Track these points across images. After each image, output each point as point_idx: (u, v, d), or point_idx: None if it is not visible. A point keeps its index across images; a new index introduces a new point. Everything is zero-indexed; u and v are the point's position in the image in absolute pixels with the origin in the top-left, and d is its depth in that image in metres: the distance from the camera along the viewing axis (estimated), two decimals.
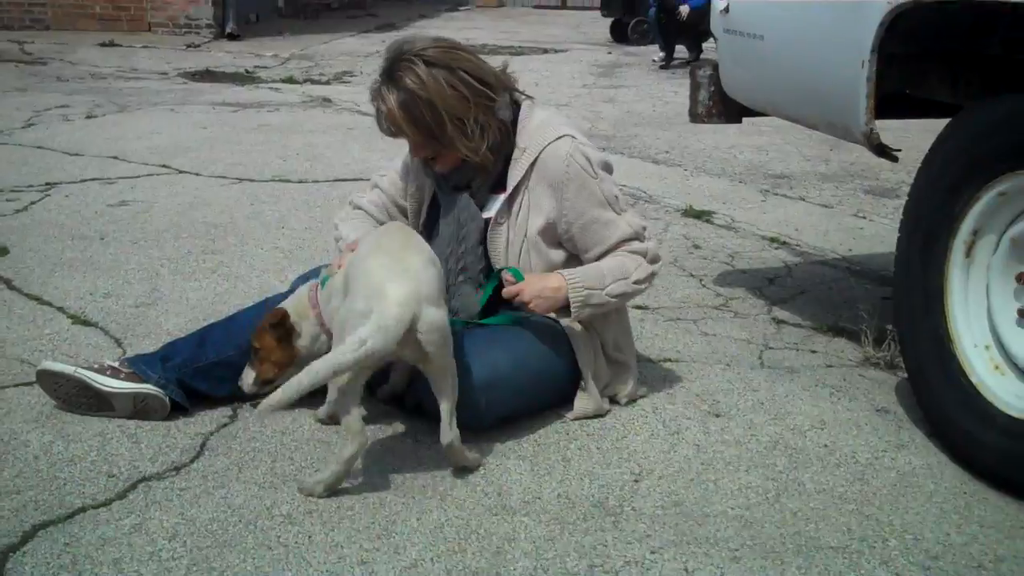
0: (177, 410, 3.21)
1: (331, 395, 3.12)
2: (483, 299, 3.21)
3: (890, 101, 3.48)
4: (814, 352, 3.89)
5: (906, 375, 3.43)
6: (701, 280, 4.68)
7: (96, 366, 3.21)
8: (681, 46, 13.32)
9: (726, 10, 4.11)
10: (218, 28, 14.70)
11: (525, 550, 2.58)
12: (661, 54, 13.16)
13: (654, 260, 3.23)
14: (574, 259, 3.24)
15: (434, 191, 3.34)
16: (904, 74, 3.52)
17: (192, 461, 2.97)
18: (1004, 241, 3.02)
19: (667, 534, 2.67)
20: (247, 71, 11.59)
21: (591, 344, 3.25)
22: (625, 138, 8.15)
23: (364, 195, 3.47)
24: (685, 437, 3.19)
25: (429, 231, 3.31)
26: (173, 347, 3.32)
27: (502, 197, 3.22)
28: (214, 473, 2.90)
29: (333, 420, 3.14)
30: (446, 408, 2.84)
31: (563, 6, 24.69)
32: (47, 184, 6.02)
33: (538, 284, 3.12)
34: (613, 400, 3.36)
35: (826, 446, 3.16)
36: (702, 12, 12.40)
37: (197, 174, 6.42)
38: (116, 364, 3.22)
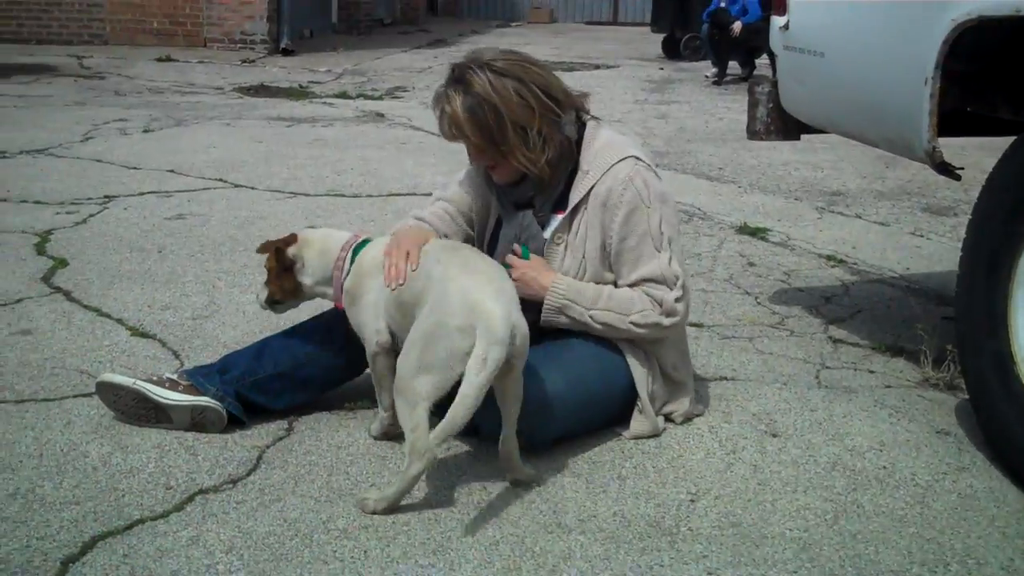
0: (234, 423, 3.23)
1: (383, 412, 3.14)
2: None
3: (950, 119, 3.44)
4: (872, 372, 3.85)
5: (966, 396, 3.39)
6: (756, 298, 4.64)
7: (155, 378, 3.24)
8: (734, 62, 13.28)
9: (786, 27, 4.09)
10: (273, 44, 14.84)
11: (580, 569, 2.57)
12: (714, 70, 13.12)
13: (669, 313, 3.15)
14: None
15: (498, 215, 3.33)
16: (966, 92, 3.47)
17: (249, 474, 2.98)
18: None
19: (724, 555, 2.64)
20: (301, 86, 11.69)
21: (648, 365, 3.23)
22: (678, 154, 8.12)
23: (425, 208, 3.46)
24: (742, 457, 3.16)
25: (492, 251, 3.31)
26: (231, 360, 3.34)
27: (561, 217, 3.21)
28: (271, 486, 2.92)
29: (387, 436, 3.16)
30: (508, 416, 2.85)
31: (614, 22, 24.72)
32: (106, 197, 6.10)
33: (532, 272, 3.13)
34: (669, 419, 3.34)
35: (885, 467, 3.12)
36: (755, 28, 12.38)
37: (253, 188, 6.48)
38: (174, 376, 3.25)
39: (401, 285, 2.98)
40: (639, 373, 3.21)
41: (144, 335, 3.99)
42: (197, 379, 3.23)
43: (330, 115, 9.61)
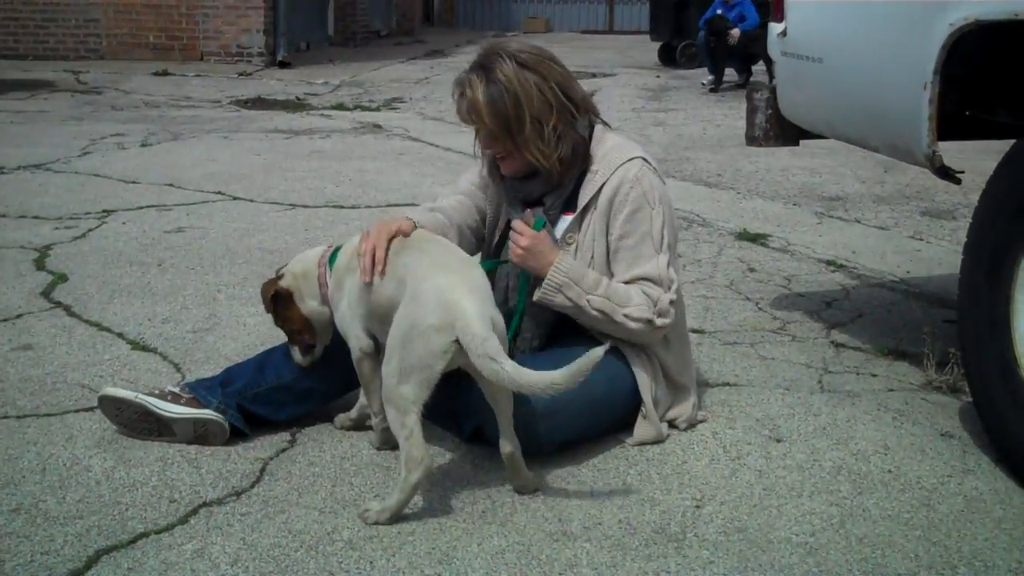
0: (237, 435, 3.22)
1: (374, 418, 3.14)
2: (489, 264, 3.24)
3: (948, 122, 3.43)
4: (875, 376, 3.84)
5: (970, 399, 3.38)
6: (757, 303, 4.64)
7: (157, 392, 3.23)
8: (730, 69, 13.29)
9: (784, 33, 4.10)
10: (269, 56, 14.87)
11: None
12: (710, 77, 13.14)
13: (661, 314, 3.14)
14: None
15: (508, 218, 3.33)
16: (964, 96, 3.48)
17: (252, 486, 2.98)
18: None
19: (731, 561, 2.63)
20: (298, 98, 11.70)
21: (652, 370, 3.23)
22: (677, 161, 8.13)
23: (439, 200, 3.45)
24: (746, 462, 3.15)
25: (499, 252, 3.31)
26: (232, 372, 3.33)
27: (571, 217, 3.21)
28: (274, 498, 2.91)
29: (388, 443, 3.13)
30: (504, 416, 2.84)
31: (610, 30, 24.76)
32: (104, 211, 6.10)
33: (540, 246, 3.09)
34: (672, 425, 3.33)
35: (890, 471, 3.11)
36: (751, 35, 12.40)
37: (252, 200, 6.48)
38: (176, 389, 3.24)
39: (380, 273, 2.96)
40: (643, 378, 3.21)
41: (145, 349, 3.98)
42: (199, 392, 3.22)
43: (328, 127, 9.61)
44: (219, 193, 6.66)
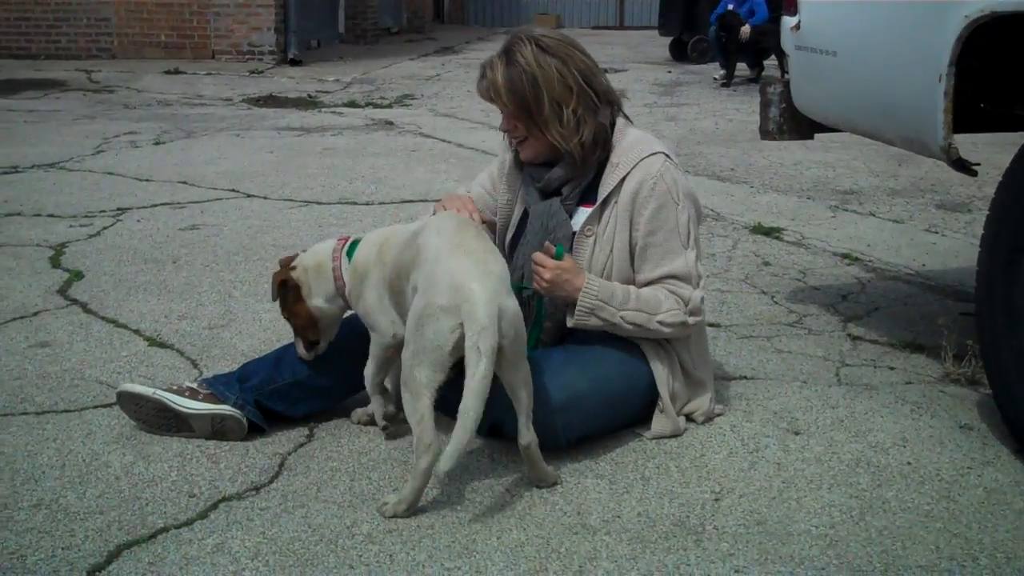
0: (254, 430, 3.23)
1: (375, 401, 3.17)
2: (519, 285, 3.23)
3: (962, 115, 3.42)
4: (892, 369, 3.83)
5: (989, 391, 3.38)
6: (773, 297, 4.63)
7: (175, 387, 3.24)
8: (742, 63, 13.27)
9: (797, 27, 4.08)
10: (280, 54, 14.88)
11: (607, 569, 2.56)
12: (722, 72, 13.12)
13: (694, 312, 3.16)
14: None
15: (524, 207, 3.33)
16: (979, 88, 3.46)
17: (271, 481, 2.98)
18: None
19: (751, 553, 2.63)
20: (310, 96, 11.71)
21: (669, 364, 3.23)
22: (689, 156, 8.11)
23: (463, 185, 3.51)
24: (765, 455, 3.15)
25: (517, 241, 3.32)
26: (250, 368, 3.34)
27: (589, 209, 3.21)
28: (293, 493, 2.91)
29: (371, 421, 3.21)
30: (522, 408, 2.84)
31: (620, 26, 24.73)
32: (119, 209, 6.11)
33: (565, 274, 3.09)
34: (690, 419, 3.33)
35: (909, 463, 3.11)
36: (763, 29, 12.37)
37: (265, 198, 6.49)
38: (194, 385, 3.25)
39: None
40: (660, 372, 3.20)
41: (162, 345, 4.00)
42: (217, 388, 3.23)
43: (340, 124, 9.62)
44: (233, 191, 6.67)
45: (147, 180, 6.95)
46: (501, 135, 3.37)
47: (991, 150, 5.08)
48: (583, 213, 3.23)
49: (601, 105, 3.18)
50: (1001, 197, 3.25)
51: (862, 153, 7.97)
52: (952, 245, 5.53)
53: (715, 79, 13.19)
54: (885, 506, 2.86)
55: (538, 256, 3.11)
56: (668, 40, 16.41)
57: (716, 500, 2.89)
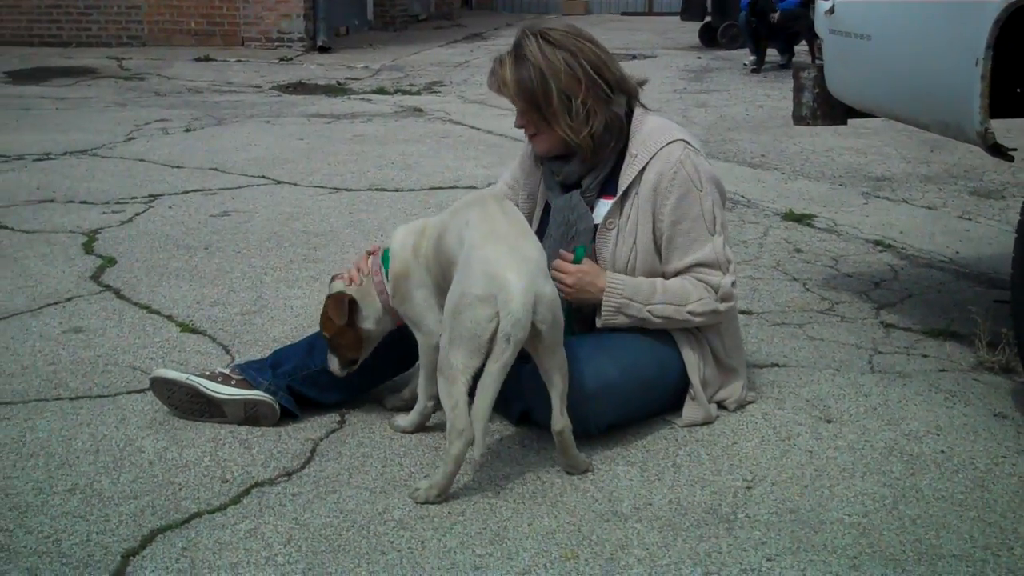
0: (287, 416, 3.25)
1: (428, 402, 3.14)
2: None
3: (999, 100, 3.38)
4: (925, 356, 3.81)
5: (1023, 380, 3.34)
6: (805, 284, 4.61)
7: (208, 373, 3.26)
8: (772, 49, 13.17)
9: (831, 11, 4.05)
10: (309, 41, 14.89)
11: (639, 556, 2.56)
12: (752, 58, 13.02)
13: (725, 299, 3.15)
14: None
15: (546, 201, 3.33)
16: (1016, 72, 3.42)
17: (303, 467, 2.99)
18: None
19: (783, 541, 2.62)
20: (339, 83, 11.72)
21: (700, 351, 3.21)
22: (720, 142, 8.07)
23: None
24: (797, 443, 3.14)
25: (541, 236, 3.31)
26: (282, 354, 3.35)
27: (610, 201, 3.20)
28: (325, 478, 2.92)
29: (417, 428, 3.18)
30: (557, 393, 2.84)
31: (649, 12, 24.60)
32: (150, 196, 6.14)
33: (587, 276, 3.11)
34: (721, 406, 3.31)
35: (943, 452, 3.08)
36: (793, 14, 12.28)
37: (295, 184, 6.50)
38: (227, 371, 3.27)
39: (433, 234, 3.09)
40: (691, 359, 3.19)
41: (194, 331, 4.02)
42: (250, 373, 3.24)
43: (369, 111, 9.62)
44: (263, 177, 6.69)
45: (178, 167, 6.98)
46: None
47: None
48: (604, 205, 3.22)
49: (614, 95, 3.15)
50: None
51: (894, 139, 7.91)
52: (986, 232, 5.48)
53: (745, 65, 13.10)
54: (918, 495, 2.84)
55: (558, 263, 3.11)
56: (697, 26, 16.30)
57: (748, 488, 2.88)
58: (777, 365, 3.71)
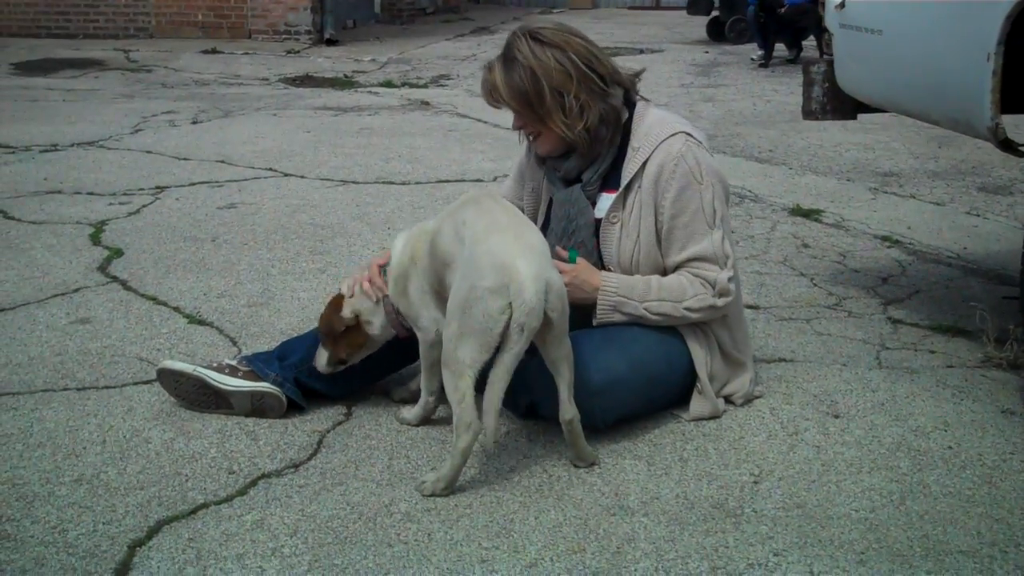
0: (293, 408, 3.25)
1: (429, 396, 3.14)
2: None
3: (1010, 95, 3.37)
4: (933, 352, 3.79)
5: None
6: (812, 279, 4.60)
7: (215, 365, 3.25)
8: (780, 44, 13.15)
9: (842, 5, 4.03)
10: (316, 34, 14.89)
11: (645, 551, 2.55)
12: (760, 52, 13.00)
13: (722, 294, 3.13)
14: None
15: (549, 196, 3.33)
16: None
17: (310, 458, 2.99)
18: None
19: (790, 536, 2.61)
20: (346, 76, 11.72)
21: (707, 345, 3.21)
22: (727, 137, 8.06)
23: None
24: (804, 438, 3.13)
25: (544, 231, 3.31)
26: (289, 346, 3.35)
27: (612, 195, 3.19)
28: (332, 470, 2.92)
29: (423, 422, 3.18)
30: (564, 383, 2.83)
31: (657, 6, 24.56)
32: (157, 187, 6.15)
33: (582, 276, 3.11)
34: (729, 400, 3.31)
35: (951, 448, 3.08)
36: (802, 9, 12.25)
37: (302, 177, 6.50)
38: (234, 362, 3.27)
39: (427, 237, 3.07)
40: (698, 353, 3.19)
41: (201, 323, 4.02)
42: (257, 365, 3.24)
43: (376, 104, 9.62)
44: (270, 169, 6.69)
45: (185, 159, 6.98)
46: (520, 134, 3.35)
47: None
48: (607, 199, 3.21)
49: (609, 88, 3.14)
50: None
51: (902, 135, 7.89)
52: (994, 228, 5.47)
53: (753, 60, 13.08)
54: (926, 491, 2.84)
55: (553, 263, 3.09)
56: (705, 20, 16.27)
57: (755, 483, 2.88)
58: (784, 360, 3.70)
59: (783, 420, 3.24)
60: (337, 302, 3.22)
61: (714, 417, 3.23)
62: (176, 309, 4.15)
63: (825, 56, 4.35)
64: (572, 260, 3.12)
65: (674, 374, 3.19)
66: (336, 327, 3.18)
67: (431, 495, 2.77)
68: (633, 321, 3.14)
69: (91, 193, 6.00)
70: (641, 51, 14.46)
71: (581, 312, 3.12)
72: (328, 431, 3.15)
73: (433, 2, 21.45)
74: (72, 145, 7.40)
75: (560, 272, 3.04)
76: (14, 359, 3.66)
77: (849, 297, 4.37)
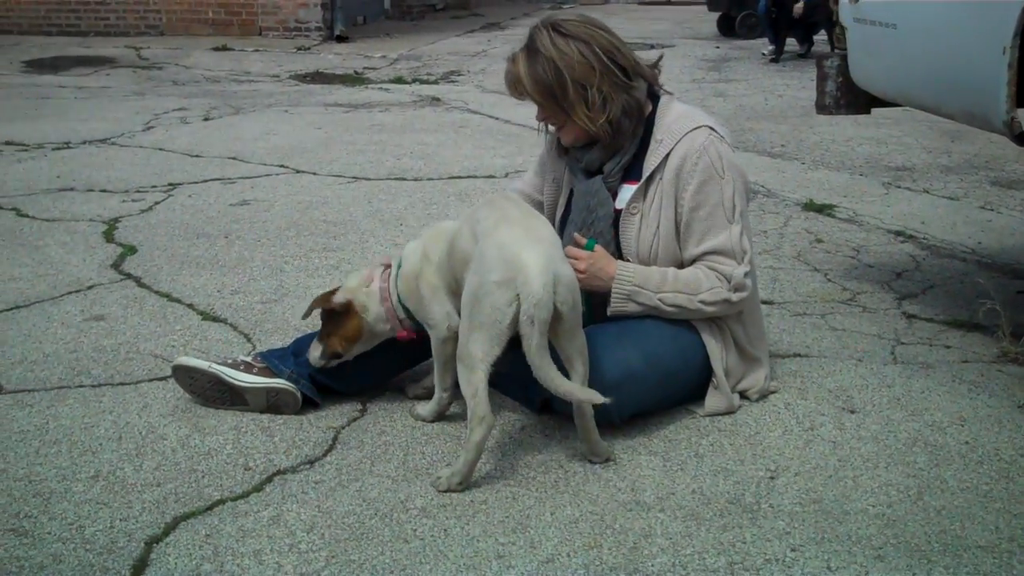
0: (309, 404, 3.25)
1: (442, 393, 3.14)
2: None
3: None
4: (948, 347, 3.78)
5: None
6: (826, 274, 4.58)
7: (230, 361, 3.26)
8: (791, 39, 13.11)
9: None
10: (327, 31, 14.88)
11: (662, 546, 2.55)
12: (771, 47, 12.96)
13: (737, 289, 3.13)
14: None
15: (570, 187, 3.33)
16: None
17: (325, 454, 3.00)
18: None
19: (807, 531, 2.61)
20: (357, 72, 11.72)
21: (723, 340, 3.20)
22: (739, 132, 8.03)
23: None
24: (820, 433, 3.12)
25: (565, 221, 3.31)
26: (303, 342, 3.34)
27: (634, 187, 3.19)
28: (347, 467, 2.92)
29: (438, 417, 3.19)
30: (578, 378, 2.83)
31: (668, 1, 24.50)
32: (170, 185, 6.15)
33: (598, 264, 3.11)
34: (744, 396, 3.30)
35: (967, 443, 3.07)
36: (813, 4, 12.21)
37: (314, 173, 6.50)
38: (249, 359, 3.27)
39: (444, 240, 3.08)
40: (714, 348, 3.18)
41: (215, 319, 4.02)
42: (272, 361, 3.24)
43: (387, 100, 9.61)
44: (282, 166, 6.69)
45: (197, 156, 6.99)
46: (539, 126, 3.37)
47: None
48: (628, 191, 3.21)
49: (632, 80, 3.15)
50: None
51: (914, 129, 7.86)
52: (1008, 222, 5.45)
53: (764, 55, 13.04)
54: (943, 486, 2.83)
55: (570, 250, 3.10)
56: (715, 16, 16.23)
57: (771, 478, 2.87)
58: (799, 355, 3.70)
59: (799, 415, 3.23)
60: (334, 290, 3.24)
61: (729, 412, 3.22)
62: (190, 306, 4.15)
63: (837, 50, 4.34)
64: (589, 248, 3.12)
65: (689, 369, 3.18)
66: (325, 305, 3.18)
67: (447, 490, 2.77)
68: (647, 312, 3.13)
69: (104, 190, 6.00)
70: (651, 46, 14.41)
71: (596, 307, 3.12)
72: (343, 427, 3.16)
73: None
74: (84, 143, 7.42)
75: (576, 259, 3.05)
76: (29, 356, 3.66)
77: (863, 292, 4.36)
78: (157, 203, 5.72)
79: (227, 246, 4.95)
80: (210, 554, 2.51)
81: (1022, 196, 6.02)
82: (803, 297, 4.30)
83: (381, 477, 2.87)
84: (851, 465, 2.94)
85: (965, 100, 3.51)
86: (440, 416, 3.18)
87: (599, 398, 2.74)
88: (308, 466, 2.93)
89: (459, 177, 6.41)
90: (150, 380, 3.48)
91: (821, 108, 4.32)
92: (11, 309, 4.13)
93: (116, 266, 4.64)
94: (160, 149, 7.21)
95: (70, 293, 4.30)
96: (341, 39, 14.79)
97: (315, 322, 3.81)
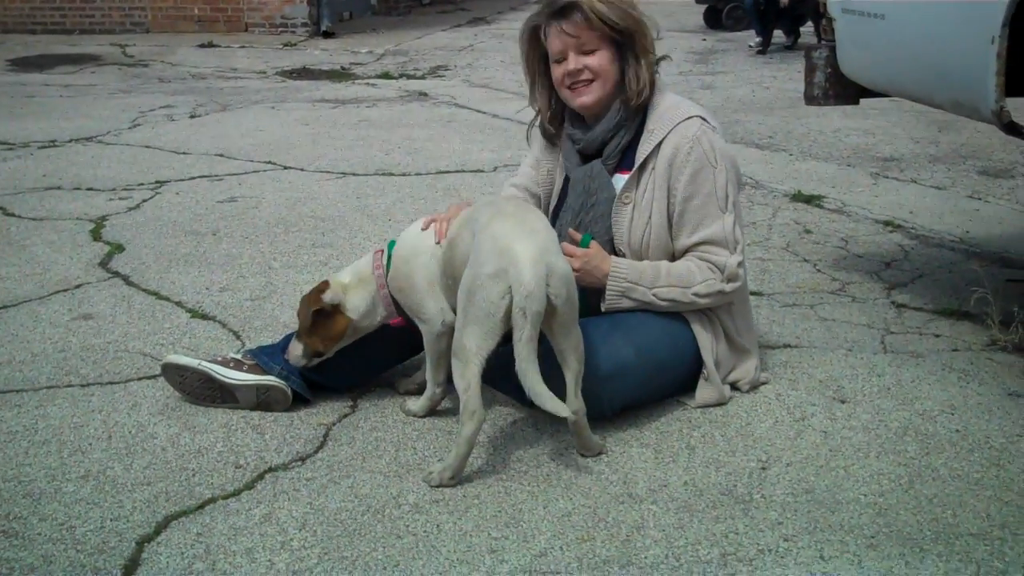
0: (299, 401, 3.24)
1: (436, 388, 3.13)
2: None
3: (1015, 78, 3.35)
4: (938, 336, 3.79)
5: None
6: (815, 265, 4.59)
7: (219, 359, 3.25)
8: (778, 31, 13.11)
9: None
10: (313, 26, 14.84)
11: (655, 538, 2.55)
12: (758, 39, 12.95)
13: (731, 279, 3.13)
14: None
15: (565, 176, 3.32)
16: None
17: (316, 451, 2.99)
18: None
19: (800, 521, 2.61)
20: (343, 68, 11.68)
21: (713, 331, 3.20)
22: (726, 124, 8.02)
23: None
24: (811, 424, 3.12)
25: (559, 210, 3.31)
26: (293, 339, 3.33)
27: (625, 176, 3.19)
28: (339, 463, 2.92)
29: (429, 413, 3.18)
30: (572, 375, 2.82)
31: None
32: (157, 182, 6.13)
33: (593, 261, 3.11)
34: (735, 387, 3.30)
35: (958, 431, 3.07)
36: None
37: (302, 169, 6.48)
38: (239, 356, 3.26)
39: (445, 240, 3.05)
40: (704, 339, 3.18)
41: (204, 317, 4.01)
42: (261, 358, 3.23)
43: (374, 96, 9.59)
44: (269, 163, 6.67)
45: (184, 153, 6.96)
46: (531, 115, 3.35)
47: None
48: (620, 180, 3.21)
49: (656, 54, 3.23)
50: None
51: (902, 119, 7.87)
52: (995, 211, 5.46)
53: (750, 46, 13.03)
54: (934, 474, 2.83)
55: (565, 246, 3.08)
56: (702, 8, 16.23)
57: (763, 469, 2.87)
58: (789, 346, 3.70)
59: (789, 406, 3.23)
60: (323, 287, 3.19)
61: (720, 404, 3.23)
62: (179, 304, 4.14)
63: (826, 41, 4.33)
64: (585, 245, 3.11)
65: (680, 360, 3.19)
66: (312, 305, 3.14)
67: (439, 485, 2.77)
68: (642, 307, 3.13)
69: (91, 189, 5.98)
70: None
71: (589, 299, 3.12)
72: (334, 424, 3.15)
73: None
74: (70, 141, 7.38)
75: (571, 256, 3.04)
76: (17, 356, 3.65)
77: (852, 282, 4.36)
78: (144, 201, 5.70)
79: (215, 243, 4.93)
80: (202, 553, 2.50)
81: (1009, 185, 6.03)
82: (792, 288, 4.30)
83: (373, 473, 2.86)
84: (842, 455, 2.94)
85: (954, 90, 3.51)
86: (431, 411, 3.18)
87: (565, 411, 2.72)
88: (299, 463, 2.92)
89: (447, 172, 6.40)
90: (139, 379, 3.46)
91: (810, 99, 4.31)
92: None
93: (104, 264, 4.62)
94: (147, 147, 7.18)
95: (58, 292, 4.28)
96: (327, 35, 14.75)
97: None
